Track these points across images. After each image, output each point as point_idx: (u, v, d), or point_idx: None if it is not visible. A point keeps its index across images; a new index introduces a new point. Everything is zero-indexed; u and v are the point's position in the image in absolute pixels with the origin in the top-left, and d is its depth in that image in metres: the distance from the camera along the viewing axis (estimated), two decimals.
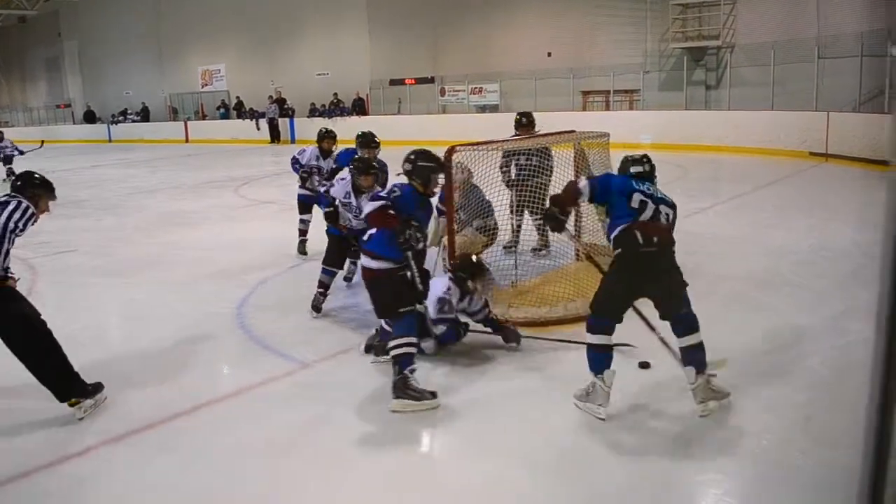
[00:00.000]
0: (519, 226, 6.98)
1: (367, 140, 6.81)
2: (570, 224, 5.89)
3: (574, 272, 6.01)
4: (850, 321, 5.15)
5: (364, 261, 4.33)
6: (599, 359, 3.81)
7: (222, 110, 29.13)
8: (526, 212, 6.87)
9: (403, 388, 4.03)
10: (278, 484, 3.39)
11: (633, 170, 4.08)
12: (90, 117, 34.25)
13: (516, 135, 7.43)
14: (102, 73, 35.32)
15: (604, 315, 3.86)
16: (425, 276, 4.46)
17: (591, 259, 4.52)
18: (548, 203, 4.33)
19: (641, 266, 3.83)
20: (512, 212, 6.75)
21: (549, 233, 6.53)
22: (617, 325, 3.89)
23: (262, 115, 26.42)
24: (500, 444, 3.68)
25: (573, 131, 6.87)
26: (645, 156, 4.16)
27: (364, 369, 4.63)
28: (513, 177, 6.78)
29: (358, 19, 24.92)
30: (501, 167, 6.84)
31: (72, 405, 4.06)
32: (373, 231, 4.33)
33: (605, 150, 6.48)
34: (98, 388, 4.20)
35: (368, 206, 4.32)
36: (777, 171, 13.05)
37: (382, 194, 4.37)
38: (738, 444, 3.57)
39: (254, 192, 13.19)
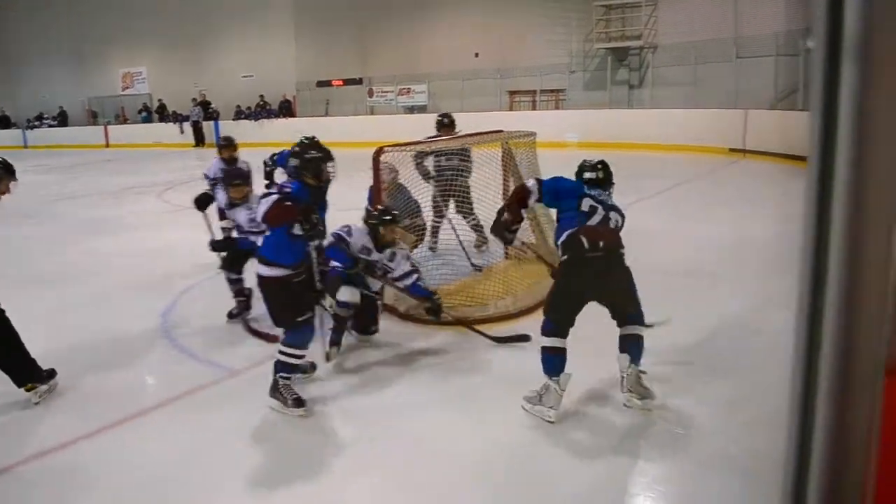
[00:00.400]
0: (437, 227, 6.93)
1: (228, 142, 7.14)
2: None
3: (503, 270, 6.05)
4: (771, 310, 5.30)
5: (258, 268, 4.09)
6: (553, 361, 3.82)
7: (144, 114, 28.38)
8: (454, 209, 6.85)
9: (274, 390, 4.04)
10: (206, 495, 3.31)
11: (586, 175, 4.11)
12: (4, 122, 32.87)
13: (438, 135, 7.42)
14: (17, 76, 33.91)
15: (555, 318, 3.87)
16: (324, 275, 4.38)
17: (542, 259, 4.55)
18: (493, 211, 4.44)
19: (588, 270, 3.85)
20: (438, 213, 6.75)
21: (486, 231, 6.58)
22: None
23: (186, 119, 25.80)
24: (446, 450, 3.65)
25: (500, 131, 6.91)
26: (601, 162, 4.19)
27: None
28: (432, 172, 6.77)
29: (283, 20, 24.59)
30: (417, 166, 6.73)
31: (28, 390, 4.22)
32: (268, 234, 4.11)
33: (531, 149, 6.52)
34: (52, 374, 4.37)
35: (262, 206, 3.97)
36: (699, 167, 13.42)
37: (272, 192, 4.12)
38: (670, 435, 3.64)
39: (178, 197, 12.87)
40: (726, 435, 3.61)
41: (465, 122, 13.72)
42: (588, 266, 3.83)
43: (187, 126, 25.54)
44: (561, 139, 16.69)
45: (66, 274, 7.62)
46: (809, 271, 0.70)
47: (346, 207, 10.31)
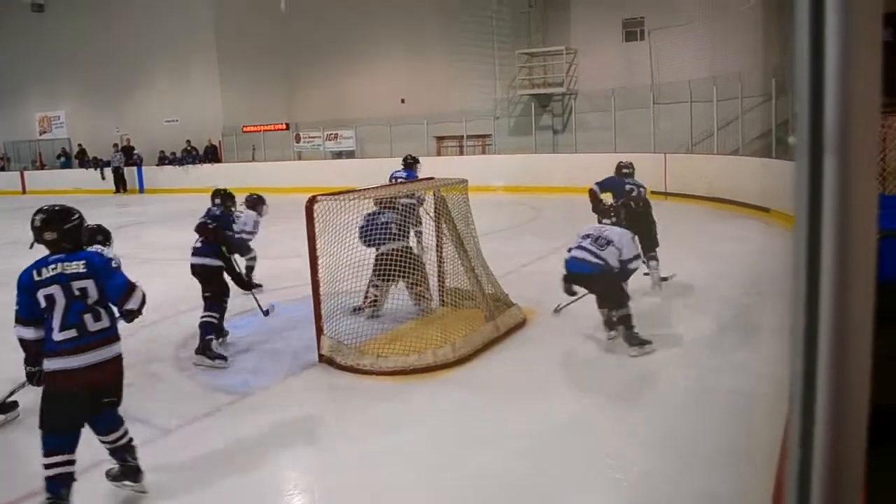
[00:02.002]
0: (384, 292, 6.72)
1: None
2: None
3: (441, 317, 6.10)
4: (700, 350, 5.50)
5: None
6: None
7: (63, 159, 27.57)
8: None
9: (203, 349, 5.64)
10: None
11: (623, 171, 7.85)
12: None
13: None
14: None
15: None
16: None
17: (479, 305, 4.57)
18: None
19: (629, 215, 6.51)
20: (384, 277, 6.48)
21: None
22: None
23: (107, 164, 25.21)
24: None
25: (432, 178, 7.01)
26: (631, 163, 8.04)
27: (230, 432, 4.45)
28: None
29: (207, 64, 24.36)
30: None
31: None
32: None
33: (464, 195, 6.63)
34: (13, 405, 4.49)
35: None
36: None
37: None
38: (605, 477, 3.70)
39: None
40: (664, 474, 3.70)
41: (394, 167, 13.77)
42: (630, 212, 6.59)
43: (109, 172, 24.92)
44: (488, 183, 16.97)
45: None
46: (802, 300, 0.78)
47: (279, 255, 10.23)
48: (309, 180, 16.52)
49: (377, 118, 21.24)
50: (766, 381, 4.64)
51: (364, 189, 6.29)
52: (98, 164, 25.67)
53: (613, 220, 6.03)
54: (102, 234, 5.47)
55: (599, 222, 6.18)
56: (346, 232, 6.12)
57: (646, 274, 7.15)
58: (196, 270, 6.13)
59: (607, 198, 7.49)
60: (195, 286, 8.08)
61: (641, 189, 7.65)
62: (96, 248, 5.00)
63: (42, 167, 28.40)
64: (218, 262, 6.00)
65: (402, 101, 21.23)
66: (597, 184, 7.84)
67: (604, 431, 4.18)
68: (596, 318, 6.43)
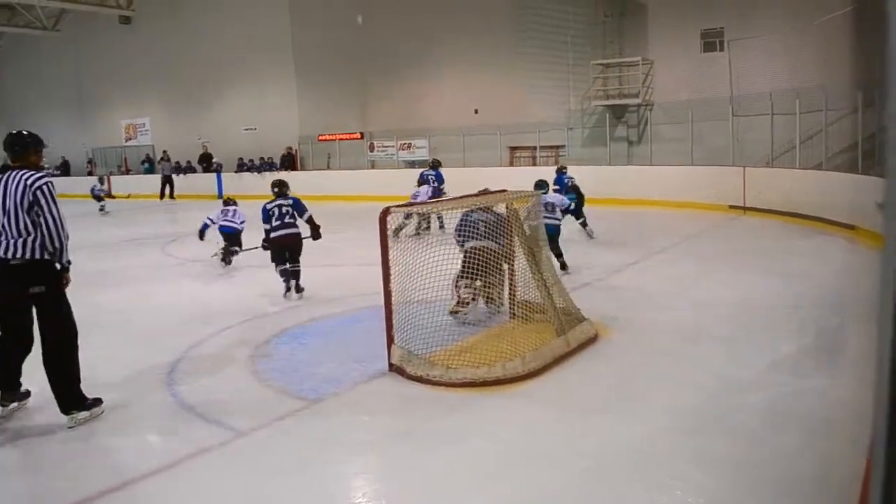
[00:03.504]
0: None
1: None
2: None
3: (511, 330, 6.07)
4: (776, 373, 5.32)
5: None
6: None
7: (147, 165, 28.61)
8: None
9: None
10: None
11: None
12: (2, 170, 33.04)
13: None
14: (21, 125, 33.74)
15: None
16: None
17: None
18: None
19: None
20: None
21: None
22: None
23: (192, 170, 26.32)
24: None
25: (504, 190, 6.99)
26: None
27: (301, 437, 4.53)
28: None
29: (285, 74, 24.93)
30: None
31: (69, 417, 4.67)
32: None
33: (536, 208, 6.61)
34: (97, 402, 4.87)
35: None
36: (698, 224, 13.53)
37: None
38: (672, 500, 3.62)
39: (181, 250, 12.92)
40: (728, 502, 3.59)
41: (467, 177, 13.99)
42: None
43: (194, 177, 25.99)
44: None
45: None
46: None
47: (352, 263, 10.36)
48: (382, 189, 16.71)
49: (450, 128, 21.35)
50: (844, 408, 4.47)
51: (436, 201, 6.32)
52: (180, 169, 26.60)
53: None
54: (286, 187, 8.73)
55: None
56: (418, 242, 6.18)
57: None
58: (292, 239, 8.30)
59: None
60: (269, 292, 8.30)
61: (573, 178, 12.63)
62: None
63: (127, 172, 29.51)
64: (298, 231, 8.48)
65: (476, 111, 21.30)
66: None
67: (672, 454, 4.07)
68: (669, 337, 6.33)
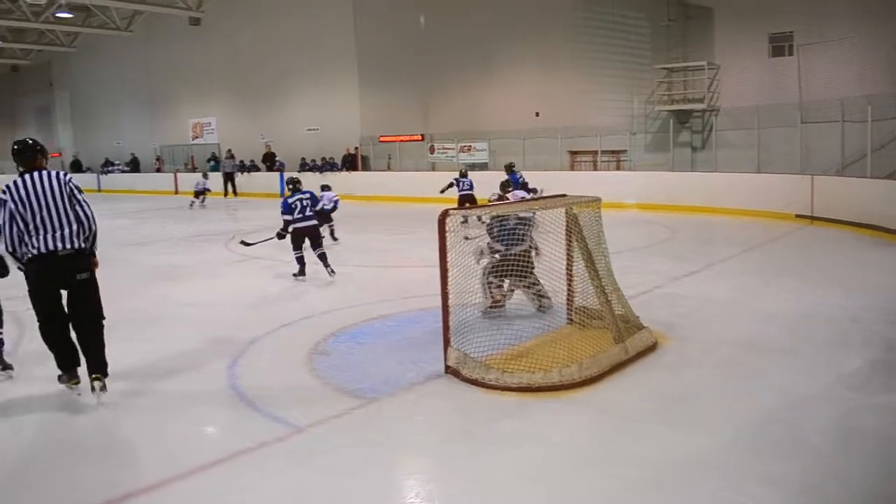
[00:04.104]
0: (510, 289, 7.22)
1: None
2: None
3: (567, 336, 6.03)
4: (843, 389, 5.17)
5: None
6: None
7: (212, 163, 29.27)
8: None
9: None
10: None
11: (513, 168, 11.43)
12: (76, 166, 34.40)
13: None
14: (93, 123, 35.61)
15: None
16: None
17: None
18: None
19: None
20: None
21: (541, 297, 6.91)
22: None
23: (254, 168, 26.85)
24: None
25: (564, 195, 6.94)
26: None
27: (358, 436, 4.58)
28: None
29: (349, 76, 25.24)
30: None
31: (94, 380, 5.09)
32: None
33: (596, 213, 6.53)
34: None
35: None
36: (764, 233, 13.21)
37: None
38: None
39: (242, 246, 13.17)
40: None
41: (528, 181, 13.98)
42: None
43: (256, 176, 26.53)
44: (621, 200, 16.68)
45: (133, 320, 7.78)
46: None
47: (409, 264, 10.42)
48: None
49: (511, 131, 21.30)
50: None
51: (496, 203, 6.32)
52: (243, 168, 27.17)
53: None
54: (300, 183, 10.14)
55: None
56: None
57: None
58: (312, 228, 9.72)
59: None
60: (329, 291, 8.42)
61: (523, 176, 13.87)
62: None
63: (194, 170, 30.23)
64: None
65: (537, 114, 21.18)
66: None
67: (732, 469, 3.98)
68: (731, 348, 6.20)
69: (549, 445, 4.37)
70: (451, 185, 15.67)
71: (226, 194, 26.31)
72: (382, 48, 24.23)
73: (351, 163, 24.84)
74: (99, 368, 5.16)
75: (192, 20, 27.88)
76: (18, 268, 5.12)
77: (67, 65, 35.90)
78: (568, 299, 6.52)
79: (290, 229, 9.71)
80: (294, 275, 9.75)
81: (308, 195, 9.83)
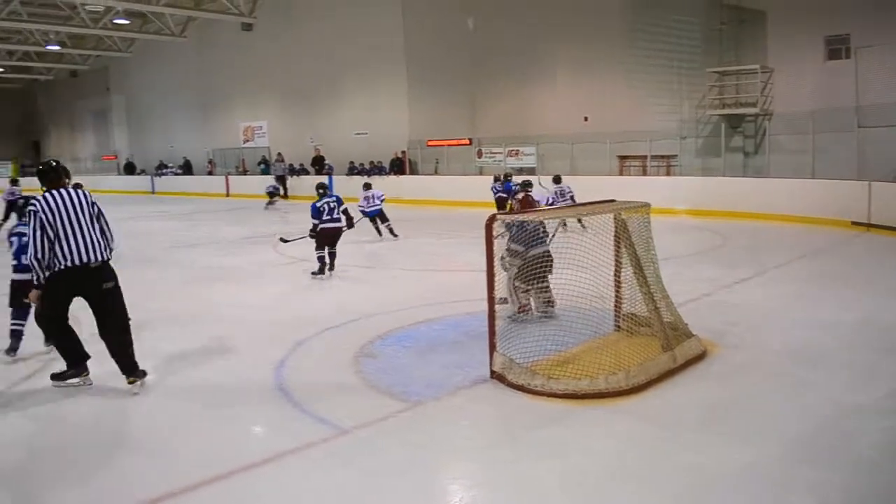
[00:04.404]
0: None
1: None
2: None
3: (615, 343, 5.97)
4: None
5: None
6: None
7: (263, 166, 29.68)
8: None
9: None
10: None
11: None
12: (130, 168, 35.30)
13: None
14: (148, 127, 36.51)
15: None
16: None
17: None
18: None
19: None
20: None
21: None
22: None
23: (304, 171, 27.18)
24: None
25: (612, 200, 6.87)
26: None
27: (402, 438, 4.59)
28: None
29: (397, 80, 25.35)
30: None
31: (131, 383, 5.43)
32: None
33: (645, 218, 6.45)
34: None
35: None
36: (818, 240, 12.90)
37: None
38: None
39: (292, 249, 13.33)
40: None
41: (575, 186, 13.91)
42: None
43: (306, 179, 26.88)
44: (671, 206, 16.47)
45: (184, 321, 7.97)
46: None
47: (456, 268, 10.42)
48: (490, 196, 16.71)
49: (559, 135, 21.17)
50: None
51: (544, 209, 6.29)
52: (293, 171, 27.51)
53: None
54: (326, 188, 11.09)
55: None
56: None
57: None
58: (337, 230, 10.51)
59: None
60: (376, 294, 8.48)
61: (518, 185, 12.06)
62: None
63: (244, 173, 30.72)
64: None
65: (586, 118, 21.02)
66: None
67: (783, 482, 3.89)
68: (783, 358, 6.07)
69: (594, 454, 4.34)
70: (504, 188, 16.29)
71: (279, 196, 26.53)
72: (431, 52, 24.31)
73: (399, 166, 24.96)
74: (132, 370, 5.51)
75: (245, 25, 28.34)
76: (40, 279, 5.33)
77: (124, 69, 36.82)
78: (616, 305, 6.46)
79: (318, 230, 10.36)
80: (313, 273, 10.37)
81: (334, 199, 10.62)
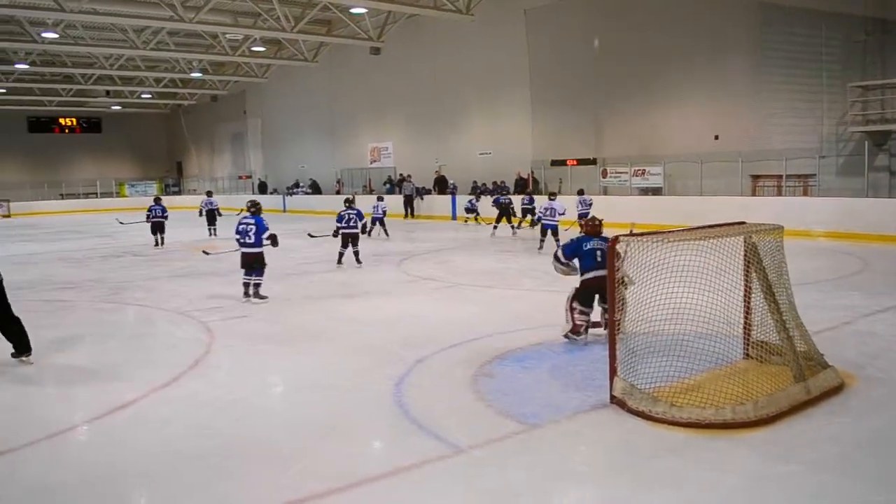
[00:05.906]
0: None
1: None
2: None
3: (743, 371, 5.72)
4: None
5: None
6: None
7: (388, 185, 30.37)
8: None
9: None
10: None
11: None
12: (262, 188, 37.04)
13: None
14: (281, 147, 38.30)
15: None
16: None
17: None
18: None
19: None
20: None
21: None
22: None
23: (427, 192, 27.63)
24: None
25: (743, 223, 6.60)
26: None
27: (519, 461, 4.55)
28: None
29: (521, 99, 25.43)
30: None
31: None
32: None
33: (778, 241, 6.15)
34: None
35: None
36: None
37: None
38: None
39: (414, 267, 13.54)
40: None
41: (705, 207, 13.42)
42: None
43: (431, 199, 27.37)
44: (807, 228, 15.69)
45: (310, 335, 8.24)
46: None
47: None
48: (615, 216, 16.39)
49: (687, 154, 20.56)
50: None
51: (672, 231, 6.10)
52: (419, 192, 28.03)
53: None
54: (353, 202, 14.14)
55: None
56: (648, 272, 5.96)
57: None
58: (354, 234, 13.64)
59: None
60: (495, 314, 8.49)
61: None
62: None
63: (371, 192, 31.55)
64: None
65: (716, 137, 20.34)
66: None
67: None
68: None
69: (715, 488, 4.15)
70: None
71: (406, 216, 27.14)
72: (555, 71, 24.25)
73: (523, 186, 24.94)
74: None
75: (373, 50, 29.20)
76: None
77: (259, 94, 38.85)
78: (745, 332, 6.19)
79: (339, 232, 13.64)
80: (339, 262, 13.78)
81: (355, 212, 13.70)
